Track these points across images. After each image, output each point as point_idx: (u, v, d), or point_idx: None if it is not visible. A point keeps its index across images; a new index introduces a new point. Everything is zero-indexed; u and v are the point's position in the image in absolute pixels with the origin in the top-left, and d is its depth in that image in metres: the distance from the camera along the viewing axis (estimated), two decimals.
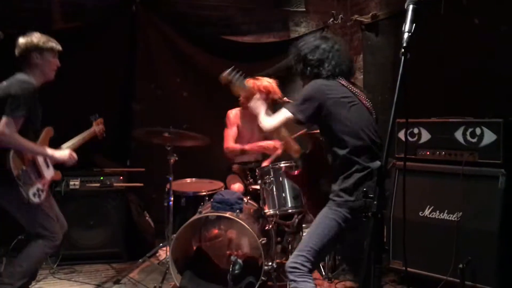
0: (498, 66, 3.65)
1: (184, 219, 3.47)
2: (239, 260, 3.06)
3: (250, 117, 4.24)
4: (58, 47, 3.16)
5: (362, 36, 5.28)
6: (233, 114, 4.29)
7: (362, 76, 5.35)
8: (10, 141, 2.85)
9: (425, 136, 3.64)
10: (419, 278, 3.46)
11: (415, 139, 3.68)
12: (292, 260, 2.40)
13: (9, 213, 4.03)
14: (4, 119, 2.81)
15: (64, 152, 3.18)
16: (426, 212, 3.49)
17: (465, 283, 3.21)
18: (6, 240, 4.06)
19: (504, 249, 3.17)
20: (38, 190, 3.00)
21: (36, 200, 2.97)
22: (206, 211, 3.49)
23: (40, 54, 3.05)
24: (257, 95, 2.88)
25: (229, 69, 2.89)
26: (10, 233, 4.05)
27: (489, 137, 3.30)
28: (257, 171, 3.64)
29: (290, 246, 3.55)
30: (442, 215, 3.45)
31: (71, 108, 4.28)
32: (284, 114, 2.55)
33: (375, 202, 1.27)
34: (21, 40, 3.04)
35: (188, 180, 4.23)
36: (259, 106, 2.80)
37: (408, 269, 3.48)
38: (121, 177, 4.32)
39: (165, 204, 3.74)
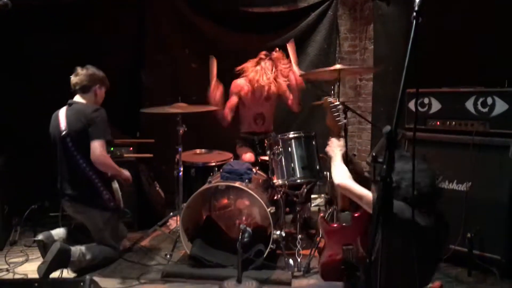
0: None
1: (194, 189, 3.50)
2: (248, 229, 3.08)
3: (256, 87, 4.22)
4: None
5: (373, 5, 5.19)
6: (237, 83, 4.26)
7: (372, 47, 5.28)
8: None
9: (436, 106, 3.61)
10: None
11: (425, 109, 3.65)
12: None
13: (22, 183, 4.17)
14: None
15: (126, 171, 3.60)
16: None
17: (473, 252, 3.24)
18: (19, 210, 4.13)
19: None
20: None
21: None
22: (215, 181, 3.52)
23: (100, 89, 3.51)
24: (341, 142, 2.74)
25: (336, 102, 2.77)
26: (23, 204, 4.14)
27: (500, 106, 3.26)
28: (265, 141, 3.64)
29: (298, 215, 3.58)
30: (452, 185, 3.45)
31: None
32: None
33: (384, 166, 1.28)
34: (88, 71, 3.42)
35: (198, 151, 4.25)
36: (336, 151, 2.67)
37: None
38: (131, 148, 4.36)
39: (175, 174, 3.78)
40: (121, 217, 3.59)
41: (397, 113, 1.33)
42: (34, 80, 4.52)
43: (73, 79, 3.42)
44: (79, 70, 3.43)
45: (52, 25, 4.54)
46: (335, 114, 2.73)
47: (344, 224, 2.75)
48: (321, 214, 2.93)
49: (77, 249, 3.26)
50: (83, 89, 3.42)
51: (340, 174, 2.50)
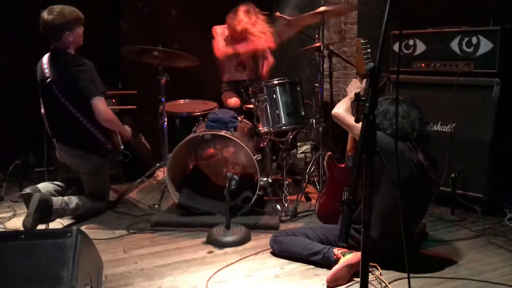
0: None
1: (179, 140, 3.46)
2: (235, 176, 3.10)
3: (236, 40, 4.16)
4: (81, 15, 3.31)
5: None
6: (221, 29, 4.26)
7: None
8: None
9: (421, 47, 3.58)
10: None
11: (410, 51, 3.62)
12: None
13: (4, 137, 4.09)
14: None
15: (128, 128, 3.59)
16: None
17: (456, 191, 3.31)
18: (4, 166, 4.09)
19: (495, 158, 3.23)
20: None
21: None
22: (200, 130, 3.49)
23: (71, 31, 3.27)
24: (363, 84, 2.79)
25: (365, 41, 2.79)
26: (6, 159, 4.09)
27: (485, 45, 3.24)
28: (250, 88, 3.59)
29: (284, 162, 3.59)
30: (436, 127, 3.47)
31: None
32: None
33: (367, 104, 1.26)
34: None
35: (182, 101, 4.20)
36: (352, 92, 2.75)
37: None
38: (114, 100, 4.29)
39: (160, 125, 3.74)
40: (118, 159, 3.60)
41: (379, 52, 1.29)
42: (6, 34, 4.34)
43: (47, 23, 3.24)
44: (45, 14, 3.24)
45: None
46: (365, 56, 2.76)
47: (350, 166, 2.83)
48: (329, 153, 2.97)
49: (59, 198, 3.28)
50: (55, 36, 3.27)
51: (339, 107, 2.69)
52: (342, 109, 2.66)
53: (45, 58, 3.35)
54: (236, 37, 4.17)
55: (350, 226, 1.34)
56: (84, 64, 3.24)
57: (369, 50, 2.77)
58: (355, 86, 2.80)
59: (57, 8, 3.23)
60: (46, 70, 3.30)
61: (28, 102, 3.63)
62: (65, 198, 3.33)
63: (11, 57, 4.19)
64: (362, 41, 2.78)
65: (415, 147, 2.53)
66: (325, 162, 2.95)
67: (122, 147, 3.51)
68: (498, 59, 3.18)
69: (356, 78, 2.89)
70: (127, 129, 3.59)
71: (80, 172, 3.48)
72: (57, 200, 3.24)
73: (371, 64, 1.25)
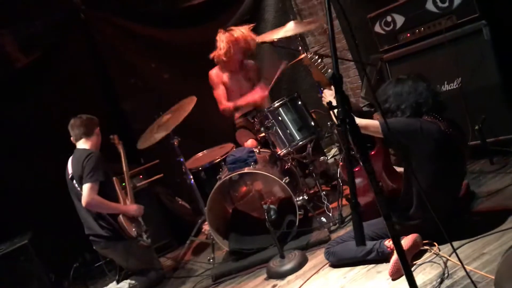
0: None
1: (210, 191, 3.56)
2: (272, 206, 3.15)
3: (232, 70, 4.25)
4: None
5: None
6: (215, 73, 4.29)
7: None
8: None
9: (400, 20, 3.58)
10: None
11: (391, 27, 3.64)
12: None
13: (58, 246, 4.29)
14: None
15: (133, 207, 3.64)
16: None
17: (486, 141, 3.25)
18: (66, 272, 4.25)
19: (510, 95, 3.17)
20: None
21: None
22: (225, 175, 3.58)
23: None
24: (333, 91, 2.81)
25: (311, 53, 2.83)
26: (67, 265, 4.27)
27: None
28: (255, 120, 3.66)
29: (314, 174, 3.62)
30: (444, 87, 3.45)
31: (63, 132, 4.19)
32: None
33: (339, 109, 1.31)
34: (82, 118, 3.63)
35: (200, 154, 4.32)
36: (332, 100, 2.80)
37: None
38: (141, 176, 4.44)
39: (188, 183, 3.86)
40: (140, 244, 3.57)
41: (334, 58, 1.35)
42: (20, 150, 4.59)
43: (74, 128, 3.61)
44: (74, 121, 3.62)
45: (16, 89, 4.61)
46: (319, 67, 2.76)
47: None
48: (341, 164, 2.99)
49: (126, 283, 3.44)
50: (87, 134, 3.61)
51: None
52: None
53: (70, 158, 3.63)
54: (231, 67, 4.23)
55: (362, 228, 1.38)
56: (90, 155, 3.47)
57: (320, 59, 2.76)
58: (329, 95, 2.77)
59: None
60: (69, 168, 3.58)
61: (65, 207, 3.84)
62: (131, 282, 3.48)
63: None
64: (309, 55, 2.77)
65: (434, 118, 2.54)
66: (339, 170, 2.95)
67: (136, 234, 3.50)
68: (476, 3, 3.16)
69: (324, 89, 2.85)
70: (129, 207, 3.61)
71: (116, 261, 3.65)
72: (123, 285, 3.38)
73: (330, 72, 1.30)
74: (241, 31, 4.09)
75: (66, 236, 4.42)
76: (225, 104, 4.22)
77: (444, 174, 2.51)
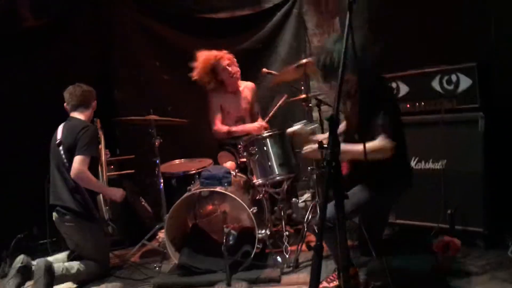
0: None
1: (176, 200, 3.51)
2: (233, 231, 3.14)
3: (231, 93, 4.30)
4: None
5: None
6: (213, 95, 4.32)
7: None
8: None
9: (404, 89, 3.66)
10: (411, 228, 3.54)
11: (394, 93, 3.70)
12: None
13: (6, 212, 4.16)
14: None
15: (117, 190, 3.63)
16: (412, 163, 3.53)
17: (455, 227, 3.28)
18: (8, 242, 4.11)
19: (491, 190, 3.23)
20: None
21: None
22: (195, 188, 3.54)
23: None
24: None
25: (299, 125, 2.89)
26: (8, 234, 4.13)
27: (465, 82, 3.32)
28: (240, 143, 3.66)
29: (282, 212, 3.60)
30: (428, 164, 3.50)
31: (52, 103, 4.21)
32: None
33: (329, 151, 1.31)
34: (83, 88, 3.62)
35: (177, 161, 4.28)
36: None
37: (400, 220, 3.61)
38: (112, 166, 4.37)
39: (157, 187, 3.81)
40: (106, 229, 3.58)
41: (337, 97, 1.36)
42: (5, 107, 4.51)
43: (72, 97, 3.59)
44: (74, 89, 3.61)
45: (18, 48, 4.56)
46: (309, 131, 2.87)
47: None
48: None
49: (60, 265, 3.32)
50: (85, 106, 3.61)
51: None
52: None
53: (61, 125, 3.60)
54: (225, 88, 4.30)
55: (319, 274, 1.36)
56: (88, 127, 3.48)
57: (307, 126, 2.86)
58: (320, 136, 2.84)
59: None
60: (59, 134, 3.53)
61: (31, 174, 3.73)
62: (66, 264, 3.37)
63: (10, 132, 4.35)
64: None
65: None
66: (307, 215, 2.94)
67: (108, 217, 3.53)
68: (478, 94, 3.25)
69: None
70: (113, 191, 3.62)
71: (72, 240, 3.53)
72: (58, 267, 3.28)
73: (329, 113, 1.32)
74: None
75: (19, 204, 4.30)
76: (220, 127, 4.25)
77: None
